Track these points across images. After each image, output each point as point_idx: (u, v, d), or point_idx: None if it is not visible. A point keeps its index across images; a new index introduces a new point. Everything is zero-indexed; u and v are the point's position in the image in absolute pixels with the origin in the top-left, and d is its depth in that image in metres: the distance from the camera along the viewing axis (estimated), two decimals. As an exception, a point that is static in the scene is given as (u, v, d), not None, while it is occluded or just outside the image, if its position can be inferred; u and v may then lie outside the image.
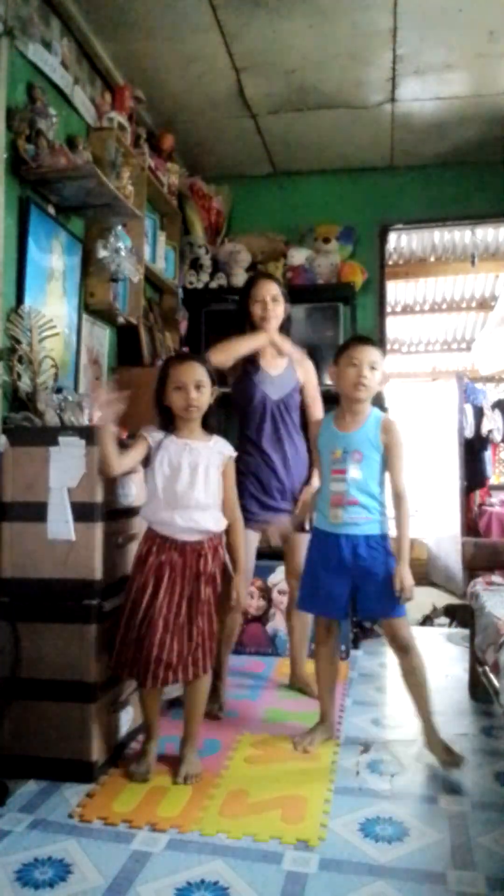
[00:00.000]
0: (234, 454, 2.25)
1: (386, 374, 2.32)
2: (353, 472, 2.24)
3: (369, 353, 2.24)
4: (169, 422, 2.17)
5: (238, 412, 2.78)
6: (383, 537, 2.27)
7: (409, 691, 2.30)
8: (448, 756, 2.18)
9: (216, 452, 2.17)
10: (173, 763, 2.17)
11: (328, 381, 2.91)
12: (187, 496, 2.09)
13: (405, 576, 2.19)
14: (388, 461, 2.27)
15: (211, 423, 2.20)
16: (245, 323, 2.73)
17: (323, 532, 2.31)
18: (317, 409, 2.79)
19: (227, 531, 2.24)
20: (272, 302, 2.68)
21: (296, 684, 2.91)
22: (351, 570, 2.25)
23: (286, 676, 3.07)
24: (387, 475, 2.28)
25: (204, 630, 2.11)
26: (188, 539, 2.11)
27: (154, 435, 2.16)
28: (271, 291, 2.69)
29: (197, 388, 2.10)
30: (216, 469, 2.16)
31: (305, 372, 2.80)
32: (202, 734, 2.43)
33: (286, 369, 2.74)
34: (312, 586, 2.34)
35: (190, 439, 2.15)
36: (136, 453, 2.15)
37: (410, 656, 2.26)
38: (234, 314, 2.82)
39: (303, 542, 2.72)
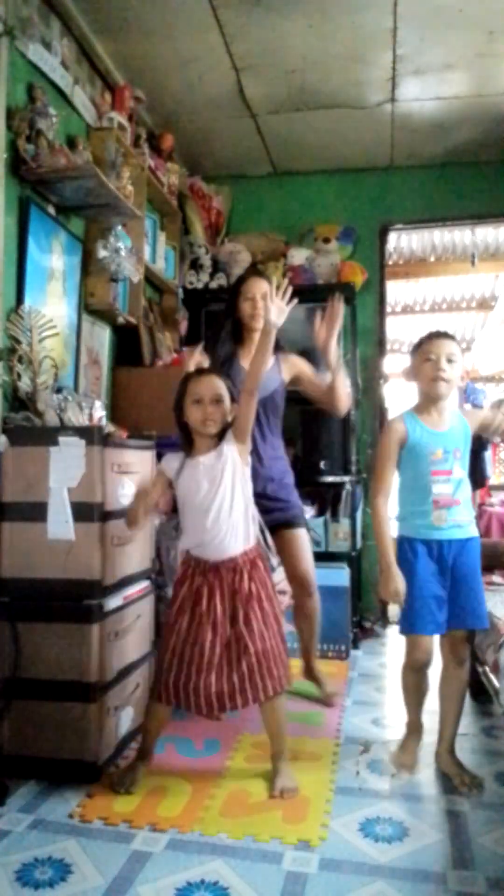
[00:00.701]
0: (231, 440, 2.11)
1: (467, 370, 2.23)
2: (458, 472, 2.14)
3: (446, 346, 2.12)
4: (189, 438, 2.12)
5: None
6: (477, 540, 2.19)
7: (444, 703, 2.20)
8: (468, 779, 2.09)
9: (224, 459, 2.08)
10: (172, 764, 2.17)
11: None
12: (212, 512, 2.05)
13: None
14: (486, 417, 2.22)
15: (222, 436, 2.12)
16: (232, 321, 2.67)
17: (421, 540, 2.15)
18: (322, 384, 2.70)
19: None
20: (262, 300, 2.57)
21: (308, 679, 2.86)
22: (449, 576, 2.14)
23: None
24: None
25: (256, 651, 2.02)
26: (222, 558, 2.07)
27: (171, 465, 2.12)
28: (262, 289, 2.58)
29: (214, 402, 2.07)
30: (228, 474, 2.08)
31: (293, 365, 2.72)
32: (202, 734, 2.44)
33: (270, 369, 2.63)
34: (426, 600, 2.13)
35: (204, 457, 2.09)
36: (156, 492, 2.15)
37: (463, 669, 2.18)
38: (223, 311, 2.76)
39: (295, 538, 2.69)
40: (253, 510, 2.16)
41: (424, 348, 2.16)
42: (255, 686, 2.02)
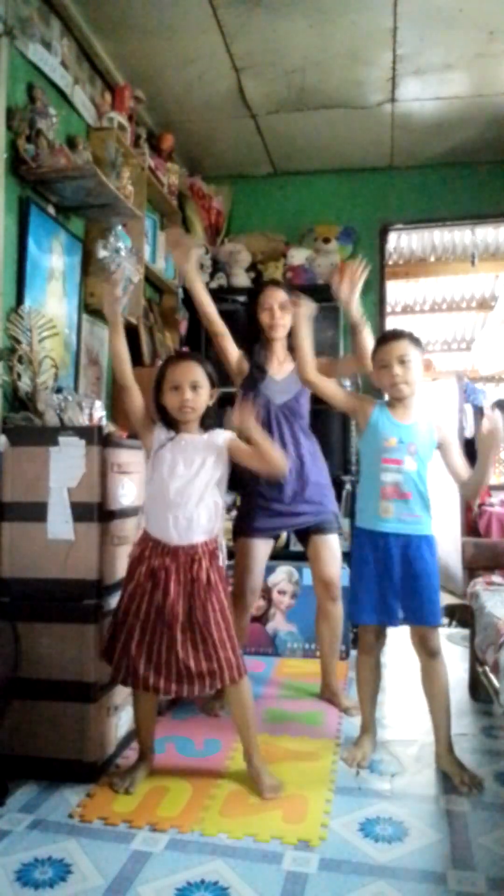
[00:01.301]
0: (230, 434, 2.10)
1: (427, 361, 2.25)
2: (409, 464, 2.15)
3: (396, 349, 2.14)
4: (167, 422, 2.11)
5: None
6: (431, 539, 2.21)
7: (430, 701, 2.23)
8: (467, 778, 2.10)
9: (211, 448, 2.08)
10: (172, 763, 2.17)
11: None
12: (182, 493, 2.02)
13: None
14: (447, 456, 2.22)
15: (207, 424, 2.12)
16: (254, 331, 2.72)
17: (367, 531, 2.21)
18: (340, 361, 2.76)
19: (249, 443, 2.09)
20: (280, 310, 2.65)
21: (325, 695, 2.81)
22: (398, 571, 2.17)
23: (287, 676, 3.08)
24: (444, 470, 2.24)
25: (212, 640, 2.00)
26: (181, 543, 2.03)
27: (161, 434, 2.10)
28: (279, 299, 2.66)
29: (193, 388, 2.03)
30: (211, 465, 2.07)
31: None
32: (202, 734, 2.43)
33: (291, 374, 2.71)
34: (364, 593, 2.21)
35: (188, 434, 2.08)
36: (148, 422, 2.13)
37: (437, 661, 2.20)
38: (245, 322, 2.81)
39: (325, 544, 2.71)
40: (221, 508, 2.12)
41: (377, 356, 2.20)
42: (213, 673, 2.00)
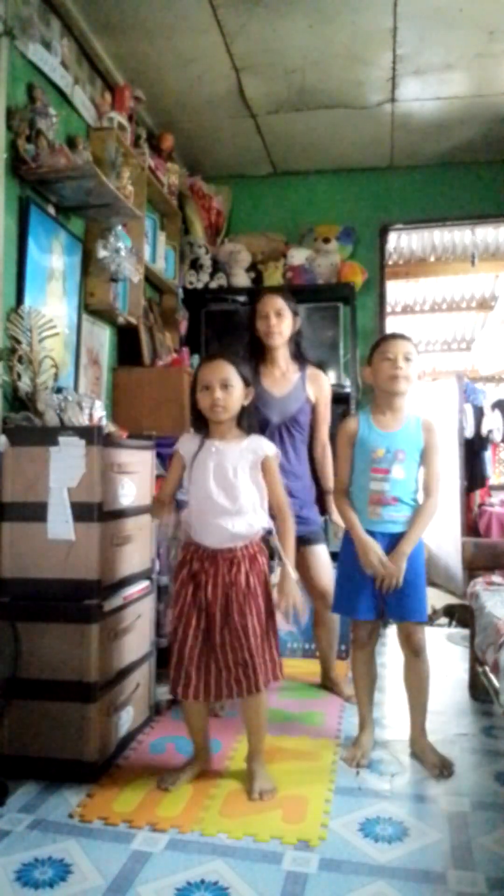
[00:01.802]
0: (274, 451, 2.10)
1: (421, 371, 2.29)
2: (397, 472, 2.21)
3: (403, 346, 2.21)
4: (203, 426, 2.10)
5: None
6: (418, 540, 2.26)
7: (409, 693, 2.31)
8: (437, 761, 2.18)
9: (248, 451, 2.06)
10: (172, 763, 2.17)
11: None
12: (212, 502, 2.02)
13: (398, 564, 2.17)
14: (425, 459, 2.26)
15: (244, 424, 2.10)
16: (252, 338, 2.72)
17: (383, 564, 2.22)
18: (325, 429, 2.79)
19: (280, 528, 2.14)
20: (276, 317, 2.64)
21: (325, 682, 2.90)
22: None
23: (287, 676, 3.06)
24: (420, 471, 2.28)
25: (248, 645, 2.00)
26: (219, 547, 2.04)
27: (187, 446, 2.11)
28: (275, 306, 2.64)
29: (223, 387, 2.01)
30: (247, 469, 2.05)
31: (318, 388, 2.76)
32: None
33: (294, 388, 2.69)
34: (350, 588, 2.28)
35: (221, 441, 2.08)
36: (175, 474, 2.15)
37: (420, 660, 2.27)
38: (246, 329, 2.81)
39: (313, 554, 2.75)
40: (264, 512, 2.11)
41: (382, 348, 2.24)
42: (247, 678, 2.01)
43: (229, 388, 2.03)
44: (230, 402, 2.04)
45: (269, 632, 2.09)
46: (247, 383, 2.08)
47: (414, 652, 2.27)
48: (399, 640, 2.32)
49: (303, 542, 2.70)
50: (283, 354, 2.73)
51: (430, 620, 4.30)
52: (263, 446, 2.09)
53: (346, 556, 2.32)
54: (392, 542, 2.23)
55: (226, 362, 2.06)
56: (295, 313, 2.70)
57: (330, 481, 2.76)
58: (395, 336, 2.27)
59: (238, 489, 2.03)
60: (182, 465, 2.13)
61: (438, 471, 2.30)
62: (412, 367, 2.21)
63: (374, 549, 2.19)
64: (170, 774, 2.09)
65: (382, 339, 2.29)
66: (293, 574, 2.12)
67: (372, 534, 2.23)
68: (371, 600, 2.25)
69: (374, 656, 2.40)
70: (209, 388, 2.03)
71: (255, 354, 2.73)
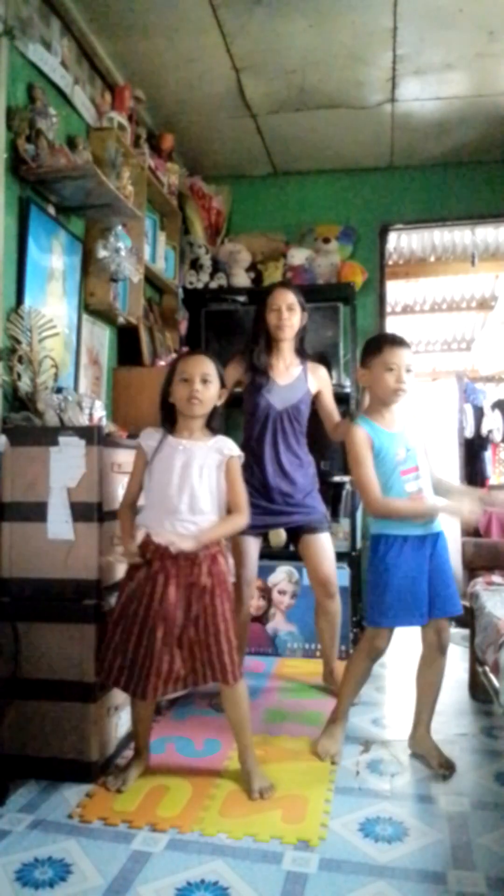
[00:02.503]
0: (238, 453, 2.11)
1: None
2: (423, 466, 2.20)
3: (406, 356, 2.17)
4: (171, 420, 2.10)
5: (244, 420, 2.79)
6: (444, 533, 2.26)
7: (422, 691, 2.28)
8: (443, 761, 2.17)
9: (214, 451, 2.06)
10: (172, 763, 2.17)
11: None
12: (177, 500, 2.00)
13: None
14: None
15: (213, 425, 2.11)
16: (260, 331, 2.74)
17: (401, 537, 2.18)
18: (335, 416, 2.84)
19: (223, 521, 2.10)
20: (287, 311, 2.68)
21: (330, 684, 2.88)
22: (426, 569, 2.19)
23: (287, 676, 3.08)
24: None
25: (206, 643, 2.00)
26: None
27: (149, 441, 2.08)
28: (287, 300, 2.69)
29: (203, 381, 2.02)
30: (213, 470, 2.05)
31: (320, 380, 2.81)
32: (202, 734, 2.43)
33: (297, 378, 2.75)
34: (398, 598, 2.17)
35: (188, 439, 2.06)
36: (139, 474, 2.11)
37: (443, 659, 2.25)
38: (252, 322, 2.83)
39: (317, 542, 2.74)
40: (223, 512, 2.09)
41: (385, 358, 2.18)
42: (204, 674, 2.01)
43: (208, 383, 2.04)
44: (207, 397, 2.04)
45: (223, 634, 2.03)
46: (223, 384, 2.09)
47: (441, 650, 2.23)
48: (426, 638, 2.25)
49: (305, 530, 2.74)
50: (289, 347, 2.77)
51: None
52: (229, 446, 2.10)
53: (392, 563, 2.17)
54: (434, 544, 2.19)
55: (207, 358, 2.07)
56: (303, 309, 2.74)
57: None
58: (397, 343, 2.20)
59: (202, 489, 2.02)
60: (145, 462, 2.09)
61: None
62: (412, 376, 2.19)
63: (465, 503, 2.15)
64: (117, 776, 2.08)
65: (385, 345, 2.20)
66: (186, 542, 1.98)
67: (420, 538, 2.18)
68: (425, 604, 2.18)
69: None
70: (188, 380, 2.03)
71: (256, 348, 2.75)
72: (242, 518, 2.12)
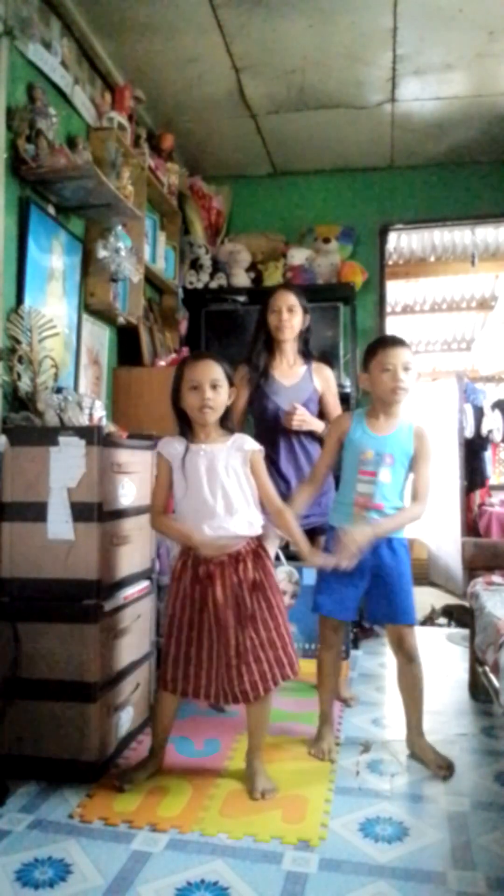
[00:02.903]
0: (258, 447, 2.09)
1: (418, 373, 2.27)
2: (384, 476, 2.19)
3: (401, 356, 2.18)
4: (186, 425, 2.08)
5: (255, 425, 2.79)
6: (403, 541, 2.25)
7: (403, 696, 2.32)
8: (439, 761, 2.18)
9: (235, 450, 2.05)
10: (172, 763, 2.17)
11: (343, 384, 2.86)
12: (212, 503, 2.00)
13: (359, 534, 2.11)
14: (415, 466, 2.24)
15: (228, 425, 2.10)
16: (261, 333, 2.75)
17: (340, 528, 2.23)
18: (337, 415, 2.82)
19: (278, 522, 2.15)
20: (287, 312, 2.68)
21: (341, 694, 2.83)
22: (368, 571, 2.21)
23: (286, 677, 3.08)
24: (410, 477, 2.26)
25: (263, 640, 2.01)
26: (220, 553, 2.02)
27: (171, 450, 2.08)
28: (288, 301, 2.69)
29: (213, 387, 2.00)
30: (239, 468, 2.05)
31: (324, 380, 2.80)
32: (202, 734, 2.44)
33: (302, 379, 2.74)
34: (328, 587, 2.28)
35: (206, 443, 2.05)
36: (165, 481, 2.10)
37: (413, 665, 2.27)
38: (255, 322, 2.82)
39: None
40: (258, 508, 2.11)
41: (381, 359, 2.19)
42: (265, 676, 2.01)
43: (218, 387, 2.02)
44: (219, 402, 2.03)
45: (282, 626, 2.07)
46: (231, 383, 2.08)
47: (407, 658, 2.26)
48: (391, 645, 2.31)
49: (319, 532, 2.69)
50: (291, 348, 2.77)
51: (430, 620, 4.31)
52: (249, 442, 2.09)
53: (327, 551, 2.28)
54: (377, 548, 2.20)
55: (214, 362, 2.04)
56: (305, 310, 2.74)
57: None
58: (393, 343, 2.22)
59: (232, 488, 2.03)
60: (169, 469, 2.09)
61: (428, 479, 2.27)
62: (411, 375, 2.19)
63: (304, 545, 2.17)
64: (126, 773, 2.09)
65: (380, 346, 2.22)
66: (306, 549, 2.13)
67: None
68: (352, 600, 2.26)
69: (340, 656, 2.43)
70: (198, 388, 2.01)
71: (265, 348, 2.76)
72: (287, 513, 2.14)
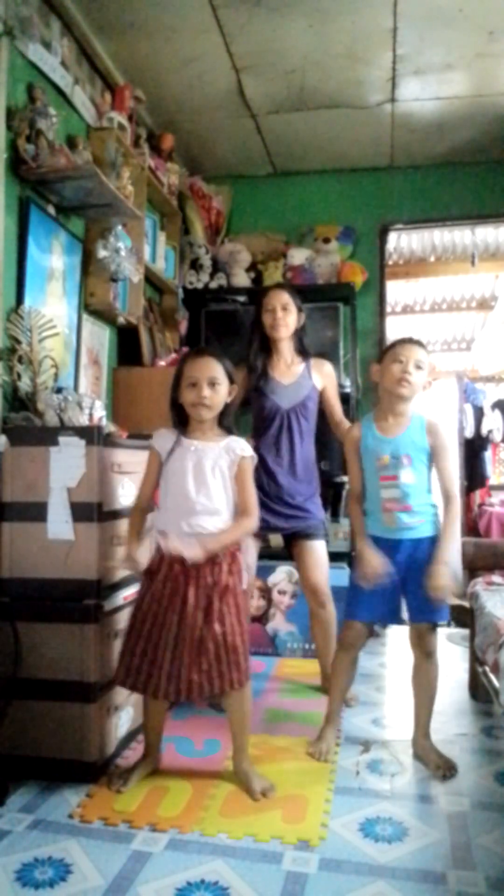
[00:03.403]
0: (250, 453, 2.09)
1: (430, 380, 2.26)
2: (406, 477, 2.18)
3: (416, 352, 2.19)
4: (183, 421, 2.08)
5: (253, 422, 2.79)
6: (435, 539, 2.23)
7: (416, 695, 2.30)
8: (441, 762, 2.17)
9: (225, 452, 2.05)
10: (172, 763, 2.17)
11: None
12: (191, 501, 1.99)
13: (441, 574, 2.11)
14: (436, 462, 2.23)
15: (226, 423, 2.10)
16: (256, 332, 2.75)
17: (374, 537, 2.24)
18: (338, 409, 2.84)
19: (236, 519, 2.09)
20: (282, 311, 2.68)
21: (325, 685, 2.82)
22: (403, 572, 2.20)
23: (287, 676, 3.09)
24: (434, 476, 2.25)
25: (226, 643, 2.00)
26: None
27: (161, 442, 2.08)
28: (281, 300, 2.69)
29: (210, 385, 2.00)
30: (225, 470, 2.04)
31: (325, 375, 2.81)
32: (202, 734, 2.44)
33: (300, 376, 2.74)
34: (363, 594, 2.23)
35: (200, 440, 2.05)
36: (152, 475, 2.10)
37: (430, 662, 2.26)
38: (250, 327, 2.83)
39: (310, 549, 2.75)
40: (235, 512, 2.09)
41: (396, 350, 2.21)
42: (223, 676, 2.00)
43: (216, 385, 2.02)
44: (216, 401, 2.03)
45: (245, 633, 2.06)
46: (231, 381, 2.07)
47: (426, 654, 2.25)
48: (411, 642, 2.29)
49: (301, 535, 2.73)
50: (287, 347, 2.77)
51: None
52: (242, 446, 2.08)
53: (357, 562, 2.29)
54: (410, 548, 2.20)
55: (214, 359, 2.03)
56: (299, 309, 2.74)
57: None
58: (410, 341, 2.23)
59: (215, 489, 2.02)
60: (159, 463, 2.09)
61: (451, 471, 2.27)
62: (421, 374, 2.19)
63: (371, 563, 2.17)
64: (120, 775, 2.08)
65: (398, 342, 2.24)
66: (193, 551, 1.97)
67: (390, 541, 2.21)
68: (393, 602, 2.24)
69: (357, 658, 2.39)
70: (196, 384, 2.00)
71: (262, 348, 2.75)
72: (251, 521, 2.09)
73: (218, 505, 2.02)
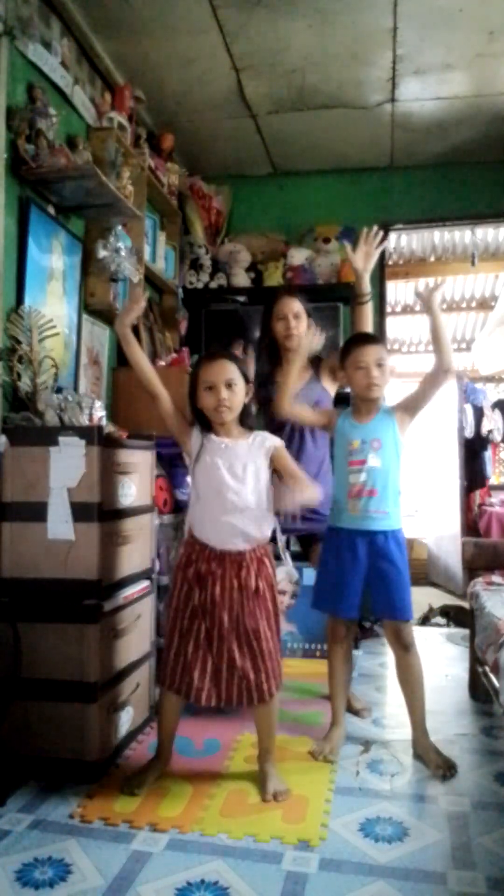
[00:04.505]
0: (280, 442, 2.11)
1: (392, 367, 2.28)
2: (373, 461, 2.23)
3: (373, 353, 2.23)
4: (205, 425, 2.09)
5: (265, 428, 2.76)
6: (398, 533, 2.27)
7: (405, 691, 2.32)
8: (441, 762, 2.17)
9: (256, 447, 2.06)
10: (172, 763, 2.17)
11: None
12: (224, 498, 2.00)
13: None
14: (409, 399, 2.29)
15: (248, 423, 2.11)
16: (266, 340, 2.72)
17: (338, 528, 2.29)
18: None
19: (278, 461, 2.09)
20: (294, 319, 2.64)
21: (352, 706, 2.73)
22: (366, 566, 2.23)
23: (287, 676, 3.05)
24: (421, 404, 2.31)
25: (261, 650, 2.00)
26: (228, 549, 2.02)
27: (193, 441, 2.09)
28: (293, 309, 2.65)
29: (228, 386, 2.00)
30: (260, 465, 2.05)
31: (331, 368, 2.74)
32: (202, 734, 2.44)
33: (309, 382, 2.70)
34: (328, 584, 2.31)
35: (226, 438, 2.07)
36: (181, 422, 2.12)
37: (410, 654, 2.28)
38: (259, 330, 2.80)
39: None
40: (271, 514, 2.10)
41: (354, 357, 2.26)
42: (260, 687, 2.00)
43: (234, 386, 2.02)
44: (235, 402, 2.03)
45: (277, 636, 2.08)
46: (247, 380, 2.08)
47: (404, 647, 2.28)
48: (388, 638, 2.34)
49: (319, 538, 2.67)
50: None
51: (427, 619, 4.31)
52: (271, 439, 2.10)
53: (328, 553, 2.33)
54: (373, 542, 2.23)
55: (228, 361, 2.04)
56: (309, 315, 2.70)
57: None
58: (364, 341, 2.29)
59: (248, 485, 2.02)
60: (186, 427, 2.10)
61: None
62: (385, 371, 2.23)
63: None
64: (135, 777, 2.07)
65: (353, 345, 2.29)
66: (312, 494, 2.02)
67: (350, 532, 2.25)
68: (354, 598, 2.27)
69: (351, 653, 2.45)
70: (213, 388, 2.01)
71: (270, 355, 2.72)
72: (305, 478, 2.08)
73: (249, 500, 2.03)
